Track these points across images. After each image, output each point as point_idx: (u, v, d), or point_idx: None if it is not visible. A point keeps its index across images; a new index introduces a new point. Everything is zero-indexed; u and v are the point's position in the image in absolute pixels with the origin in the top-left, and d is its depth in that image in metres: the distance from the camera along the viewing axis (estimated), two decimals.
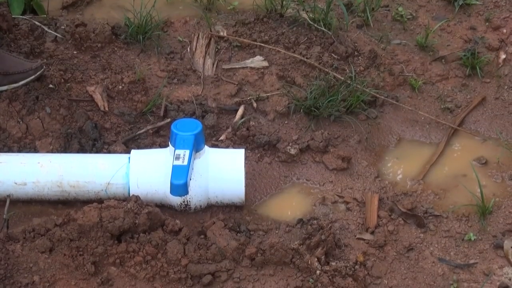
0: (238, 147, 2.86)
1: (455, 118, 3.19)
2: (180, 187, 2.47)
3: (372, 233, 2.65)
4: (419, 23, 3.58)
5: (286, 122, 3.03)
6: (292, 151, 2.89)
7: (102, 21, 3.35)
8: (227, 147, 2.86)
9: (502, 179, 2.94)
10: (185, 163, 2.50)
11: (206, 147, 2.65)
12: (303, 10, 3.42)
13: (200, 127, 2.60)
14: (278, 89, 3.13)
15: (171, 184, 2.46)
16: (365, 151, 3.01)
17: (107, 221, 2.45)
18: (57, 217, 2.52)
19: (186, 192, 2.50)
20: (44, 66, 2.93)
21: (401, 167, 3.00)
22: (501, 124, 3.19)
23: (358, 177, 2.90)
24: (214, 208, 2.68)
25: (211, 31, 3.35)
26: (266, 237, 2.57)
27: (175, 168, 2.48)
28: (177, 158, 2.50)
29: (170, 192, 2.48)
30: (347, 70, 3.22)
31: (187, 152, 2.52)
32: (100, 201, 2.54)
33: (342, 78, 3.15)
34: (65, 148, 2.77)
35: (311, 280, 2.44)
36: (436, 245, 2.65)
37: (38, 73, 2.90)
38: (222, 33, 3.35)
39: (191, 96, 3.06)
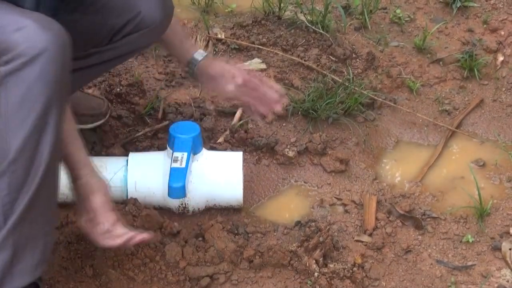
0: (236, 150, 2.86)
1: (453, 120, 3.19)
2: (178, 190, 2.47)
3: (370, 235, 2.65)
4: (417, 25, 3.59)
5: (284, 124, 3.03)
6: (290, 154, 2.89)
7: None
8: (225, 149, 2.86)
9: (500, 181, 2.95)
10: (183, 165, 2.50)
11: (204, 149, 2.65)
12: (301, 12, 3.43)
13: (198, 130, 2.60)
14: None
15: (169, 186, 2.46)
16: (363, 153, 3.01)
17: None
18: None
19: (184, 195, 2.50)
20: (110, 107, 2.90)
21: (399, 169, 3.00)
22: (499, 126, 3.20)
23: (356, 179, 2.90)
24: (212, 211, 2.67)
25: (209, 33, 3.36)
26: (264, 239, 2.57)
27: (173, 171, 2.48)
28: (175, 160, 2.51)
29: (168, 195, 2.48)
30: (345, 72, 3.22)
31: (185, 154, 2.52)
32: None
33: (340, 81, 3.15)
34: None
35: (309, 282, 2.44)
36: (434, 247, 2.65)
37: (107, 116, 2.86)
38: (220, 36, 3.36)
39: (189, 99, 3.06)
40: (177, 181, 2.47)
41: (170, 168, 2.49)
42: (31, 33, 1.91)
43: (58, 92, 1.94)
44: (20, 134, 1.92)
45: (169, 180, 2.46)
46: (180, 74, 3.18)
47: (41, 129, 1.94)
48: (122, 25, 2.41)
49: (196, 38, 3.31)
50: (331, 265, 2.46)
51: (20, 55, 1.89)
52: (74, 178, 2.25)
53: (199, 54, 2.56)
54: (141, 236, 2.23)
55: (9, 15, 1.95)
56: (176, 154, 2.52)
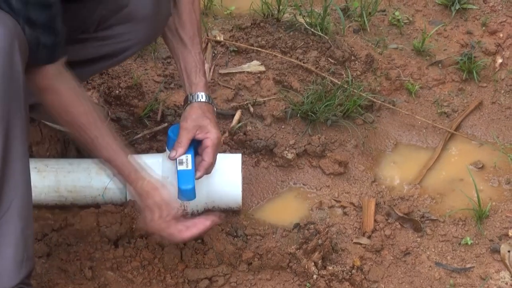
0: (235, 152, 2.86)
1: (451, 122, 3.19)
2: (188, 192, 2.46)
3: (369, 237, 2.65)
4: (415, 27, 3.58)
5: (283, 126, 3.03)
6: (289, 156, 2.89)
7: None
8: (224, 151, 2.86)
9: (498, 183, 2.95)
10: (190, 167, 2.48)
11: None
12: (299, 14, 3.43)
13: None
14: (275, 94, 3.13)
15: (180, 189, 2.44)
16: (362, 156, 3.01)
17: (104, 226, 2.46)
18: (54, 222, 2.52)
19: (194, 196, 2.49)
20: (109, 114, 2.89)
21: (398, 171, 3.00)
22: (498, 128, 3.19)
23: (355, 181, 2.90)
24: (211, 213, 2.67)
25: (208, 36, 3.36)
26: (263, 241, 2.57)
27: (180, 174, 2.47)
28: (181, 163, 2.49)
29: (178, 197, 2.47)
30: (344, 75, 3.23)
31: (189, 156, 2.50)
32: (97, 206, 2.54)
33: (339, 83, 3.15)
34: (62, 154, 2.76)
35: (308, 284, 2.44)
36: (433, 249, 2.65)
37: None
38: (219, 38, 3.36)
39: None
40: (187, 183, 2.45)
41: (178, 171, 2.47)
42: None
43: (6, 84, 1.93)
44: None
45: (178, 183, 2.45)
46: (179, 76, 3.17)
47: None
48: (107, 13, 2.40)
49: None
50: (330, 268, 2.46)
51: None
52: (131, 184, 2.32)
53: (200, 96, 2.53)
54: (211, 219, 2.35)
55: None
56: (180, 157, 2.51)
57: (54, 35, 2.05)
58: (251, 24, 3.42)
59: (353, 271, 2.48)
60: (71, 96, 2.18)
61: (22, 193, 2.04)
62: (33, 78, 2.08)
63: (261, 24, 3.41)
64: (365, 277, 2.50)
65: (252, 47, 3.31)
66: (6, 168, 1.97)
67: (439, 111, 3.23)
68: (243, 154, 2.84)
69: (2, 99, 1.93)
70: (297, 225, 2.65)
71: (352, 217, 2.74)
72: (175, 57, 2.59)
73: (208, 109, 2.52)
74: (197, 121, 2.48)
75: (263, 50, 3.29)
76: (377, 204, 2.77)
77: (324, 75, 3.19)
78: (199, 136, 2.47)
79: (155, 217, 2.28)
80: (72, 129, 2.24)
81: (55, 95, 2.14)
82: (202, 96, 2.51)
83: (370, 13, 3.55)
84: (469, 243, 2.67)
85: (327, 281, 2.43)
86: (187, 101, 2.52)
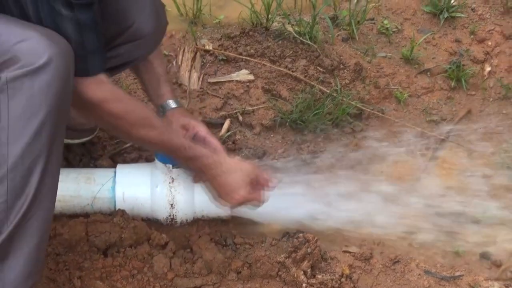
0: None
1: (440, 130, 3.20)
2: None
3: (358, 245, 2.65)
4: (404, 36, 3.59)
5: (272, 135, 3.03)
6: (278, 165, 2.89)
7: None
8: None
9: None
10: None
11: None
12: (288, 23, 3.43)
13: None
14: (263, 103, 3.14)
15: None
16: None
17: (93, 235, 2.45)
18: None
19: None
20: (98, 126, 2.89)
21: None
22: (487, 136, 3.20)
23: None
24: (200, 222, 2.67)
25: (196, 44, 3.36)
26: (252, 250, 2.57)
27: None
28: None
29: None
30: (333, 83, 3.23)
31: None
32: (86, 215, 2.54)
33: (328, 91, 3.16)
34: None
35: None
36: (422, 257, 2.65)
37: (94, 134, 2.86)
38: (207, 47, 3.36)
39: None
40: None
41: None
42: (36, 44, 1.92)
43: (59, 104, 1.95)
44: (20, 142, 1.93)
45: None
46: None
47: (40, 138, 1.94)
48: (114, 34, 2.42)
49: (183, 50, 3.31)
50: (319, 276, 2.46)
51: (24, 65, 1.90)
52: (208, 162, 2.39)
53: (171, 103, 2.59)
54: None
55: (14, 27, 1.96)
56: None
57: (98, 36, 2.08)
58: (240, 33, 3.42)
59: (343, 279, 2.48)
60: (126, 95, 2.23)
61: (47, 208, 2.05)
62: (88, 93, 2.09)
63: (250, 33, 3.42)
64: (354, 286, 2.50)
65: (241, 56, 3.31)
66: (43, 181, 1.98)
67: (428, 119, 3.24)
68: None
69: (54, 120, 1.95)
70: (286, 234, 2.65)
71: None
72: (136, 72, 2.65)
73: (182, 111, 2.60)
74: (179, 122, 2.55)
75: (252, 59, 3.30)
76: None
77: (313, 83, 3.20)
78: (189, 133, 2.53)
79: (246, 191, 2.40)
80: (136, 128, 2.22)
81: (117, 102, 2.15)
82: (172, 103, 2.58)
83: (359, 21, 3.56)
84: (459, 250, 2.67)
85: None
86: (160, 113, 2.58)
